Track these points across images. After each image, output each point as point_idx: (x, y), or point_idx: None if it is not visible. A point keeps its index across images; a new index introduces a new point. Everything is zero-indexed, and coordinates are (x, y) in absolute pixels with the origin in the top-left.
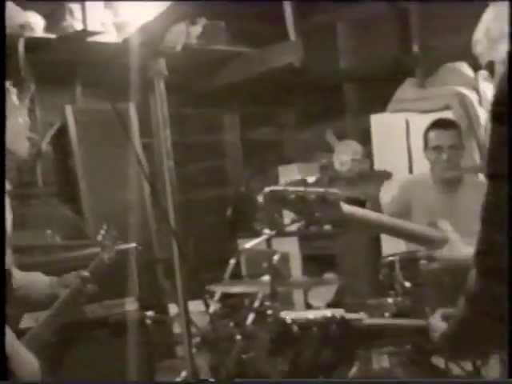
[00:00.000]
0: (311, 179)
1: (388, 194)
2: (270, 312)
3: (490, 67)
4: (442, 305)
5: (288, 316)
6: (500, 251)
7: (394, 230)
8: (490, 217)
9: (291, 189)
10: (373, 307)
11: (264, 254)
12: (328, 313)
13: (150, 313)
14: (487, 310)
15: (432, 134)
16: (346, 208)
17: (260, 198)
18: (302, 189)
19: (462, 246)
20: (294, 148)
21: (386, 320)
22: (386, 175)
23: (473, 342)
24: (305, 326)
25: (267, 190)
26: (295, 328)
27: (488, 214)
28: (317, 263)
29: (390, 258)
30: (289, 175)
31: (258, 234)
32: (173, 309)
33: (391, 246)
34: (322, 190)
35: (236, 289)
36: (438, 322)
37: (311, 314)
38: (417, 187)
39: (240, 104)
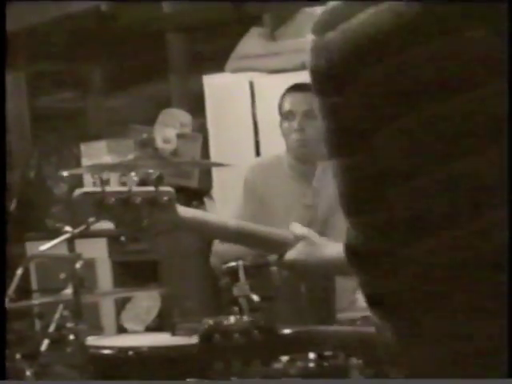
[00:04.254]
0: (131, 156)
1: (231, 187)
2: (72, 337)
3: None
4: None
5: (97, 342)
6: (364, 242)
7: (244, 237)
8: (341, 200)
9: (111, 190)
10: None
11: (63, 260)
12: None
13: None
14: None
15: (285, 99)
16: (184, 212)
17: (57, 188)
18: (124, 189)
19: (324, 246)
20: (102, 119)
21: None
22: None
23: None
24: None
25: (78, 192)
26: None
27: (340, 197)
28: (133, 272)
29: (232, 264)
30: (95, 155)
31: (53, 235)
32: None
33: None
34: (151, 189)
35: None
36: None
37: (128, 340)
38: (269, 175)
39: (27, 60)
